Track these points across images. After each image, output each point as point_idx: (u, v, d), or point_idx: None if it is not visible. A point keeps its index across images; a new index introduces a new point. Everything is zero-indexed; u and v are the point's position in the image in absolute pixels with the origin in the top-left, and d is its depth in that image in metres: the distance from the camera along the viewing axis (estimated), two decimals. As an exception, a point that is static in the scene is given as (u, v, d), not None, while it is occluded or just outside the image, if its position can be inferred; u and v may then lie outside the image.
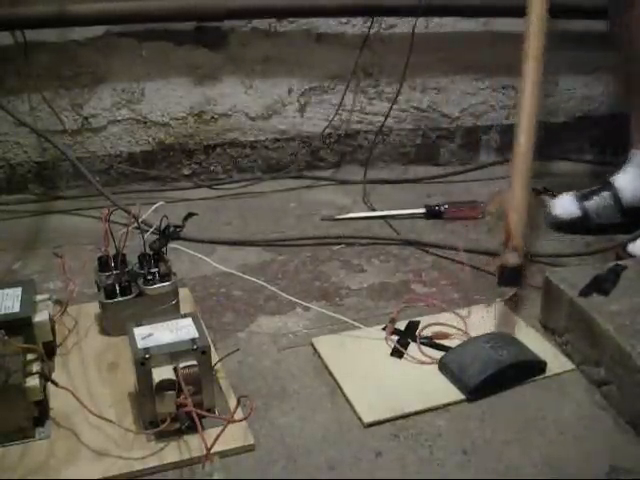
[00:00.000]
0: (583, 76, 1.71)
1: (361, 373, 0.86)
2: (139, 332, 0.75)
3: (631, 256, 1.09)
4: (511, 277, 0.96)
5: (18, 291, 0.83)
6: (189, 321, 0.77)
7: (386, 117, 1.57)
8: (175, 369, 0.71)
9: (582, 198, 1.30)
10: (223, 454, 0.71)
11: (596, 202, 1.28)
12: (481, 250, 1.21)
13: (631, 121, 1.28)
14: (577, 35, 1.63)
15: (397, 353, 0.90)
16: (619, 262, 0.98)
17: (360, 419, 0.79)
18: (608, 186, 1.29)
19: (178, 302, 0.95)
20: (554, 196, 1.45)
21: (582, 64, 1.69)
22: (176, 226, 0.95)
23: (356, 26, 1.50)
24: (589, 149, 1.79)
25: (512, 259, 0.94)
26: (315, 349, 0.92)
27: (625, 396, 0.79)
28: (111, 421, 0.73)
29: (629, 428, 0.78)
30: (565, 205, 1.31)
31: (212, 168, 1.55)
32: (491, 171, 1.64)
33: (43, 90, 1.36)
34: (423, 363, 0.88)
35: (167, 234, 0.94)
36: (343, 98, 1.54)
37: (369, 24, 1.48)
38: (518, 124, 1.04)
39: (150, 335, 0.74)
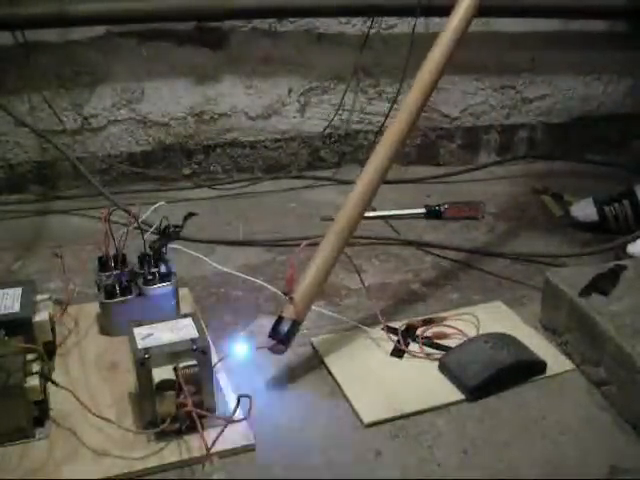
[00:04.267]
0: (583, 76, 1.71)
1: (361, 373, 0.86)
2: (139, 332, 0.75)
3: (630, 256, 1.08)
4: (282, 332, 0.81)
5: (18, 291, 0.83)
6: (189, 321, 0.77)
7: (386, 117, 1.57)
8: (175, 369, 0.71)
9: (601, 203, 1.30)
10: (223, 454, 0.71)
11: (615, 208, 1.28)
12: (481, 250, 1.22)
13: None
14: (577, 35, 1.64)
15: (397, 353, 0.90)
16: (619, 262, 0.98)
17: (360, 419, 0.79)
18: (630, 194, 1.29)
19: (178, 302, 0.95)
20: (552, 196, 1.46)
21: (582, 64, 1.69)
22: (176, 226, 0.95)
23: (356, 26, 1.50)
24: (589, 149, 1.79)
25: (289, 313, 0.82)
26: (315, 349, 0.92)
27: (625, 396, 0.79)
28: (111, 421, 0.73)
29: (629, 428, 0.78)
30: (584, 209, 1.31)
31: (212, 168, 1.55)
32: (491, 171, 1.64)
33: (43, 90, 1.36)
34: (423, 363, 0.88)
35: (167, 234, 0.94)
36: (343, 98, 1.54)
37: (369, 24, 1.48)
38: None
39: (150, 335, 0.74)
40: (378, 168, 0.90)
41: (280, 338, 0.81)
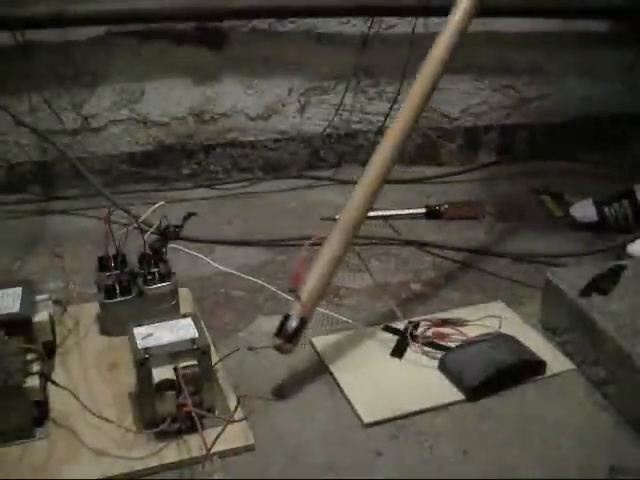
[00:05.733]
0: (582, 76, 1.71)
1: (361, 373, 0.86)
2: (139, 332, 0.75)
3: (630, 256, 1.08)
4: (290, 330, 0.81)
5: (18, 291, 0.83)
6: (189, 321, 0.77)
7: (386, 117, 1.57)
8: (175, 369, 0.71)
9: (601, 203, 1.30)
10: (223, 454, 0.71)
11: (615, 209, 1.28)
12: (481, 250, 1.22)
13: None
14: (577, 35, 1.63)
15: (397, 353, 0.90)
16: (619, 262, 0.98)
17: (360, 419, 0.79)
18: (630, 194, 1.29)
19: (178, 302, 0.95)
20: (552, 196, 1.45)
21: (582, 64, 1.69)
22: (176, 226, 0.95)
23: (356, 26, 1.50)
24: (589, 149, 1.78)
25: (296, 310, 0.81)
26: (315, 349, 0.92)
27: (625, 396, 0.79)
28: (111, 421, 0.73)
29: (629, 428, 0.78)
30: (584, 209, 1.31)
31: (212, 168, 1.55)
32: (491, 171, 1.64)
33: (43, 90, 1.36)
34: (423, 363, 0.88)
35: (167, 234, 0.94)
36: (343, 98, 1.54)
37: (369, 24, 1.48)
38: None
39: (150, 335, 0.74)
40: (383, 162, 0.91)
41: (287, 336, 0.80)
